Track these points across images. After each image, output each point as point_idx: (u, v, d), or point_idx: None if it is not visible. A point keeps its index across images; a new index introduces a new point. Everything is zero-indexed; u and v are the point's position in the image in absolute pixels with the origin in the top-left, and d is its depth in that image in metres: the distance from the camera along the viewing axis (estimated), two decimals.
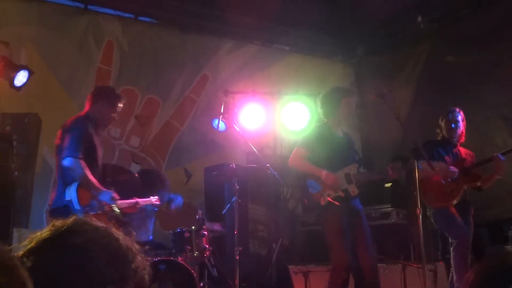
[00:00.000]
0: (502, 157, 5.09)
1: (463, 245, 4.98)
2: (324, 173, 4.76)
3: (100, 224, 1.31)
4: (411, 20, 7.46)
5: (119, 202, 4.57)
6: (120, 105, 4.80)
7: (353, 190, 4.82)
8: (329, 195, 4.74)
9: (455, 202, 5.11)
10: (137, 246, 1.33)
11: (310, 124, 7.08)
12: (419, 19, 7.25)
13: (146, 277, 1.30)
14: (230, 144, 6.99)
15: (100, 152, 4.69)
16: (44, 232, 1.26)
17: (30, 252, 1.22)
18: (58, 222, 1.28)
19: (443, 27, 7.44)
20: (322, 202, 4.73)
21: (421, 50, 7.76)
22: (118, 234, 1.31)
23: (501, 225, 6.44)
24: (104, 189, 4.50)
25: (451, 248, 5.05)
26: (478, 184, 5.20)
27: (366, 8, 7.16)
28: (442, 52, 7.43)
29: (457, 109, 5.32)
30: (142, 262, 1.30)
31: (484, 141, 6.72)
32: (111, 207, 4.49)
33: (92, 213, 4.29)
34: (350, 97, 5.08)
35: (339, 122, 5.04)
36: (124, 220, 4.71)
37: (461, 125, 5.30)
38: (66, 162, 4.37)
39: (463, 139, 5.37)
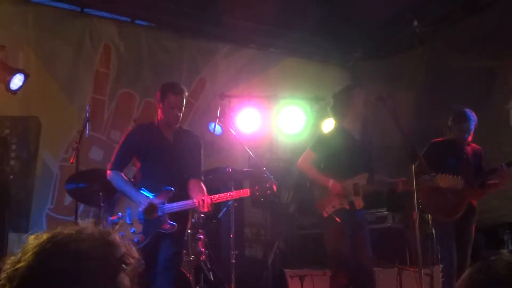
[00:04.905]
0: (506, 168, 4.92)
1: (448, 275, 4.88)
2: (331, 182, 4.58)
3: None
4: (407, 24, 7.46)
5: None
6: (173, 96, 4.24)
7: (359, 203, 4.63)
8: (333, 207, 4.58)
9: (458, 216, 4.99)
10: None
11: (306, 128, 7.10)
12: (415, 23, 7.25)
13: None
14: (230, 147, 6.97)
15: (167, 155, 4.28)
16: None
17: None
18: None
19: (441, 31, 7.43)
20: (325, 215, 4.59)
21: (419, 54, 7.74)
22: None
23: (497, 229, 6.45)
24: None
25: (441, 270, 5.02)
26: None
27: (363, 11, 7.16)
28: (441, 56, 7.41)
29: (467, 109, 5.19)
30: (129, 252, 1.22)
31: (488, 147, 6.69)
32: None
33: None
34: (360, 89, 4.94)
35: (355, 120, 4.80)
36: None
37: (473, 124, 5.13)
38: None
39: (470, 138, 5.21)
